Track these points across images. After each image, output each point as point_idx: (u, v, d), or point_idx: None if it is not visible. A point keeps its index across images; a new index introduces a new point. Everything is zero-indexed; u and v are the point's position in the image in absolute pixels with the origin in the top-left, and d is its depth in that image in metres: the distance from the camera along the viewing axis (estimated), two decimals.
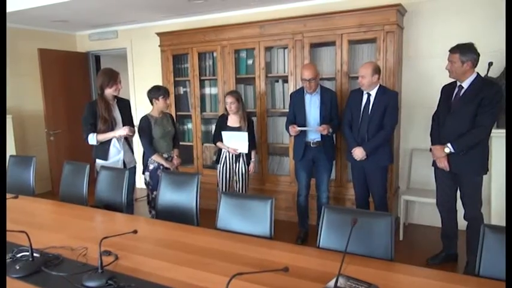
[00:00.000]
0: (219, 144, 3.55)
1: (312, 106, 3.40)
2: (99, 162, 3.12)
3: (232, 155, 3.54)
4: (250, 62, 4.25)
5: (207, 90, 4.56)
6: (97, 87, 3.04)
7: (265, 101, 4.14)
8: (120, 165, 3.13)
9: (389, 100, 3.07)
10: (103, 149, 3.09)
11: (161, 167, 3.29)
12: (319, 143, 3.39)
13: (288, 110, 3.58)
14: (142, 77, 5.38)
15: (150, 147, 3.27)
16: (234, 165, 3.55)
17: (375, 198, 3.26)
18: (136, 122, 3.40)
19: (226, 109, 3.53)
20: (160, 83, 4.59)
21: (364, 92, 3.18)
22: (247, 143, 3.48)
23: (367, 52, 3.72)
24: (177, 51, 4.58)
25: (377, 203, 3.24)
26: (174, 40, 4.56)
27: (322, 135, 3.36)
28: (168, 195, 2.61)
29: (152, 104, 3.36)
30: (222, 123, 3.54)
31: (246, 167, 3.57)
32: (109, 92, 3.06)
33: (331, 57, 3.84)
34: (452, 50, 2.68)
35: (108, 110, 3.03)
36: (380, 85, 3.16)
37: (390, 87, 3.44)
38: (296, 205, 3.69)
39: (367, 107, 3.14)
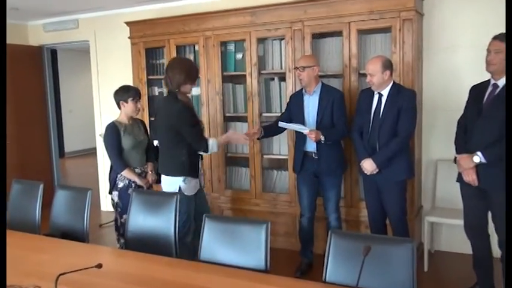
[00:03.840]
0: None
1: (311, 109, 3.45)
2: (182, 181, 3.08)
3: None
4: (239, 56, 4.28)
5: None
6: (170, 82, 3.06)
7: (258, 104, 4.17)
8: (198, 184, 3.24)
9: (403, 101, 3.11)
10: (195, 162, 3.15)
11: (133, 184, 3.30)
12: (319, 154, 3.41)
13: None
14: (108, 76, 5.40)
15: (119, 161, 3.28)
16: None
17: (391, 221, 3.29)
18: (102, 130, 3.40)
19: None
20: (130, 83, 4.59)
21: (375, 92, 3.22)
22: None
23: (380, 44, 3.76)
24: (151, 44, 4.61)
25: (395, 226, 3.26)
26: (147, 30, 4.59)
27: (319, 144, 3.40)
28: (140, 220, 2.60)
29: (120, 108, 3.37)
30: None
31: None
32: (188, 88, 3.13)
33: (338, 51, 3.88)
34: (499, 37, 2.64)
35: (194, 110, 3.20)
36: (394, 83, 3.21)
37: (408, 86, 3.49)
38: (298, 229, 3.72)
39: (378, 109, 3.19)
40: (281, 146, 4.20)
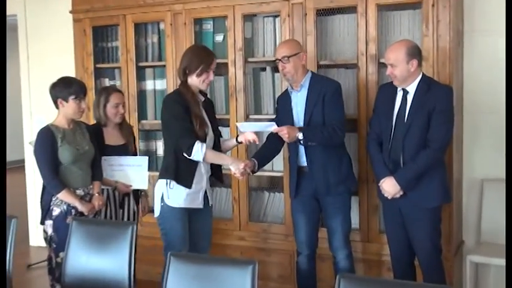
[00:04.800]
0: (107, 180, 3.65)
1: (300, 108, 3.53)
2: (177, 192, 3.31)
3: (119, 195, 3.74)
4: (219, 38, 4.33)
5: (149, 84, 4.65)
6: (179, 71, 3.40)
7: (244, 102, 4.21)
8: (200, 200, 3.43)
9: (436, 100, 3.14)
10: (190, 169, 3.32)
11: (72, 211, 3.30)
12: (310, 165, 3.47)
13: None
14: (42, 63, 5.40)
15: (54, 179, 3.28)
16: (118, 209, 3.77)
17: (421, 261, 3.31)
18: (32, 136, 3.42)
19: (104, 115, 3.68)
20: (72, 73, 4.62)
21: (398, 89, 3.25)
22: (147, 173, 3.75)
23: (407, 23, 3.81)
24: (100, 21, 4.65)
25: (426, 268, 3.28)
26: (95, 3, 4.60)
27: (308, 151, 3.45)
28: (83, 259, 2.61)
29: (57, 107, 3.39)
30: (97, 139, 3.62)
31: (136, 208, 3.87)
32: (195, 81, 3.32)
33: (351, 32, 3.94)
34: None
35: (198, 106, 3.34)
36: (423, 76, 3.25)
37: (444, 80, 3.54)
38: (294, 272, 3.74)
39: (402, 111, 3.23)
40: (274, 160, 4.17)
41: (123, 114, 3.75)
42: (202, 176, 3.39)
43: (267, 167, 4.21)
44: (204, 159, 3.25)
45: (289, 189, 3.72)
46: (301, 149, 3.50)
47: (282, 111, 3.61)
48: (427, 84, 3.21)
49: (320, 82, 3.50)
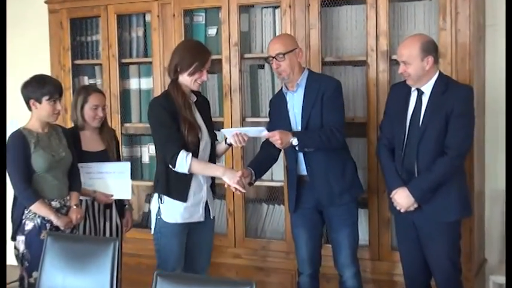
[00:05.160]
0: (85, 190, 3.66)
1: (297, 110, 3.55)
2: (169, 205, 3.33)
3: (99, 206, 3.74)
4: (212, 32, 4.36)
5: (134, 83, 4.68)
6: (169, 68, 3.40)
7: (240, 102, 4.23)
8: (201, 213, 3.43)
9: (454, 101, 3.14)
10: (183, 180, 3.32)
11: (47, 225, 3.30)
12: (311, 173, 3.48)
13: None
14: (14, 59, 5.37)
15: (26, 189, 3.28)
16: (99, 223, 3.77)
17: (438, 281, 3.31)
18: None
19: (82, 118, 3.68)
20: (47, 71, 4.62)
21: (412, 89, 3.26)
22: (130, 181, 3.77)
23: (422, 16, 3.83)
24: (79, 13, 4.66)
25: None
26: None
27: (307, 158, 3.48)
28: (59, 280, 2.60)
29: (30, 109, 3.39)
30: (73, 144, 3.63)
31: (120, 222, 3.88)
32: (186, 80, 3.31)
33: (359, 25, 3.97)
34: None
35: (189, 108, 3.34)
36: (440, 74, 3.26)
37: (464, 79, 3.53)
38: None
39: (417, 114, 3.24)
40: (273, 168, 4.19)
41: (103, 118, 3.74)
42: (201, 186, 3.39)
43: (266, 176, 4.18)
44: (189, 171, 3.23)
45: (288, 202, 3.74)
46: (300, 156, 3.50)
47: (277, 115, 3.62)
48: (444, 84, 3.21)
49: (318, 81, 3.51)
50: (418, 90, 3.25)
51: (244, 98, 4.27)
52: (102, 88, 4.51)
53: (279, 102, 3.62)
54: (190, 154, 3.21)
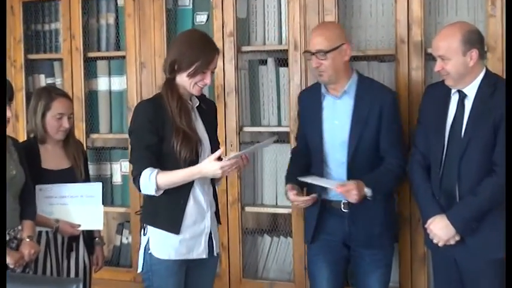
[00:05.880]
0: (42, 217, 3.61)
1: (338, 124, 3.53)
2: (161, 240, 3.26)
3: (63, 240, 3.72)
4: (201, 19, 4.38)
5: (102, 83, 4.71)
6: (164, 64, 3.33)
7: (237, 107, 4.24)
8: (203, 247, 3.33)
9: (503, 108, 3.10)
10: (176, 205, 3.25)
11: None
12: (352, 206, 3.47)
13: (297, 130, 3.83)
14: None
15: None
16: (62, 261, 3.75)
17: None
18: None
19: (43, 128, 3.65)
20: None
21: (452, 91, 3.26)
22: (101, 207, 3.75)
23: (465, 0, 3.84)
24: None
25: None
26: None
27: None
28: None
29: None
30: (29, 161, 3.57)
31: (89, 259, 3.84)
32: (185, 82, 3.24)
33: (387, 11, 3.99)
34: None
35: (186, 115, 3.25)
36: (487, 72, 3.24)
37: None
38: None
39: (458, 122, 3.23)
40: (279, 191, 4.24)
41: (68, 130, 3.72)
42: (203, 213, 3.30)
43: (269, 200, 4.31)
44: (157, 190, 3.13)
45: (303, 230, 3.75)
46: (333, 175, 3.52)
47: (309, 121, 3.64)
48: (492, 84, 3.18)
49: (372, 90, 3.53)
50: (460, 92, 3.23)
51: (241, 101, 4.28)
52: (63, 89, 4.47)
53: (311, 103, 3.62)
54: (156, 170, 3.12)
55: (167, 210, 3.23)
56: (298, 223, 3.95)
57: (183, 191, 3.20)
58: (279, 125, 4.27)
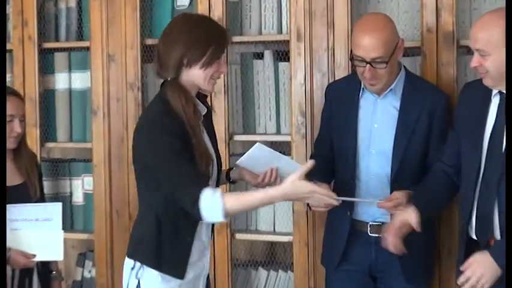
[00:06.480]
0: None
1: (379, 127, 3.56)
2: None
3: (13, 273, 3.68)
4: (183, 2, 4.42)
5: (62, 81, 4.72)
6: (167, 62, 3.19)
7: (226, 110, 4.26)
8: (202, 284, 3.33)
9: None
10: (181, 243, 3.20)
11: None
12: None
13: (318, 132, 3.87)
14: None
15: None
16: None
17: None
18: None
19: None
20: None
21: (493, 92, 3.21)
22: (61, 233, 3.71)
23: None
24: None
25: None
26: None
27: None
28: None
29: None
30: None
31: None
32: (198, 77, 3.17)
33: None
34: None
35: (199, 127, 3.21)
36: None
37: None
38: None
39: (498, 131, 3.16)
40: (278, 214, 4.25)
41: (20, 135, 3.69)
42: (202, 250, 3.27)
43: (266, 225, 4.30)
44: (226, 215, 3.00)
45: (321, 257, 3.78)
46: (365, 190, 3.52)
47: (340, 118, 3.64)
48: None
49: (421, 90, 3.54)
50: (502, 94, 3.17)
51: (231, 104, 4.27)
52: (13, 87, 4.39)
53: (344, 99, 3.64)
54: (218, 190, 3.02)
55: (174, 249, 3.15)
56: (301, 253, 3.96)
57: (190, 223, 3.14)
58: (278, 132, 4.28)
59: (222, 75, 3.25)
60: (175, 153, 3.02)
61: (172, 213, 3.10)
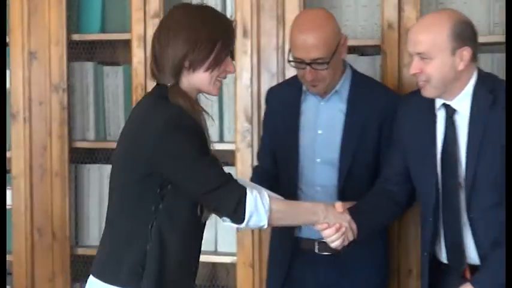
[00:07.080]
0: None
1: (322, 131, 3.47)
2: None
3: None
4: None
5: None
6: (157, 65, 2.99)
7: None
8: None
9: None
10: (187, 270, 3.02)
11: None
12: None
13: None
14: None
15: None
16: None
17: None
18: None
19: None
20: None
21: (437, 105, 3.15)
22: None
23: None
24: None
25: None
26: None
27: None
28: None
29: None
30: None
31: None
32: (202, 81, 2.94)
33: None
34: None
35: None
36: (480, 76, 3.12)
37: None
38: None
39: (450, 150, 3.12)
40: (218, 230, 4.18)
41: None
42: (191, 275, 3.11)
43: (207, 245, 4.17)
44: (270, 220, 2.85)
45: (266, 278, 3.76)
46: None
47: (282, 129, 3.54)
48: (488, 91, 3.06)
49: (371, 90, 3.48)
50: (447, 106, 3.11)
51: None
52: None
53: (284, 105, 3.58)
54: (264, 190, 2.88)
55: (176, 272, 2.90)
56: (246, 275, 3.97)
57: (196, 247, 2.98)
58: (221, 140, 4.25)
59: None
60: (200, 151, 2.84)
61: (183, 230, 2.88)
